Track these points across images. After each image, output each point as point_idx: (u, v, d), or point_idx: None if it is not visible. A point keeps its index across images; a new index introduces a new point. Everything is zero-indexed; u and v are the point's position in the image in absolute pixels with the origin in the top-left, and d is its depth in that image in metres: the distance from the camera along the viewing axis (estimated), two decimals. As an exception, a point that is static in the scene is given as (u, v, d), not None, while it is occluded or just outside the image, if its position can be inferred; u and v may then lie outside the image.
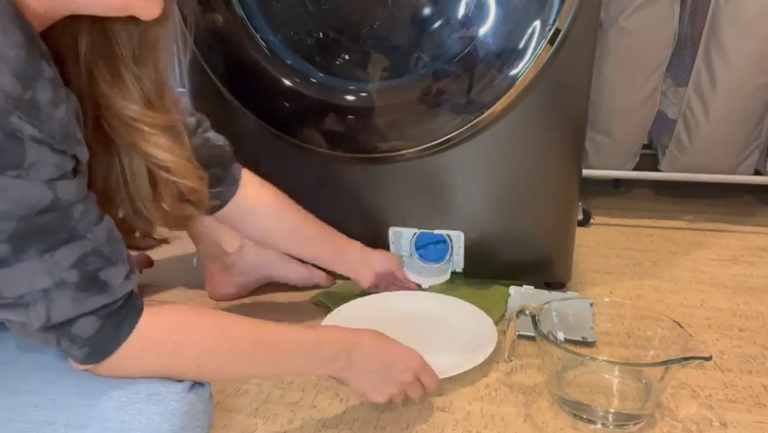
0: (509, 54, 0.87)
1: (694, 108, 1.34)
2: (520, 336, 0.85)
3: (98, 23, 0.52)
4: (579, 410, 0.69)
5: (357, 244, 0.95)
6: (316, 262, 0.97)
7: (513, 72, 0.87)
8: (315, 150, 0.99)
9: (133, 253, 0.57)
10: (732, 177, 1.40)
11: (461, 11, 0.89)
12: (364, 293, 0.97)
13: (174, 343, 0.53)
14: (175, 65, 1.17)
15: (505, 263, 1.02)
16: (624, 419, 0.69)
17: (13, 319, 0.47)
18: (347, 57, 0.97)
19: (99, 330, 0.49)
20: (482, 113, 0.90)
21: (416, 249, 1.06)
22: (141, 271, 1.07)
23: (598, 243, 1.30)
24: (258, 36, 0.97)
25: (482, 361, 0.77)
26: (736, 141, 1.35)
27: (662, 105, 1.40)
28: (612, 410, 0.69)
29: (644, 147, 1.48)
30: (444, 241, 1.04)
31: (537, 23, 0.85)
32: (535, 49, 0.85)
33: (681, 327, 0.70)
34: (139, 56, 0.55)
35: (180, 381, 0.53)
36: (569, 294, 0.98)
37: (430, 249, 1.06)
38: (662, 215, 1.49)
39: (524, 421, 0.70)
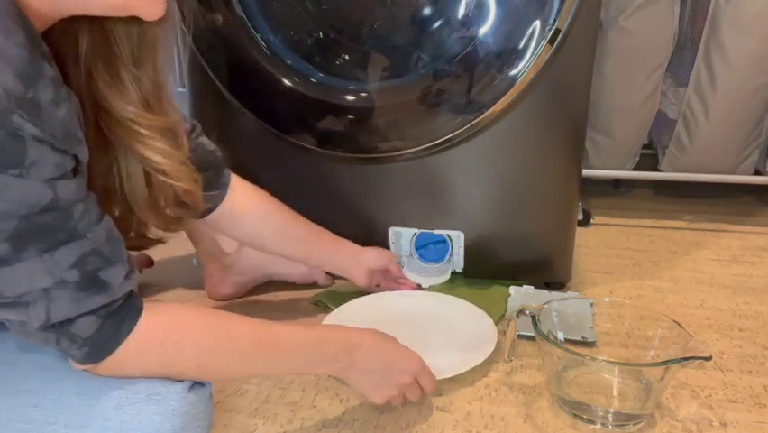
0: (509, 54, 0.87)
1: (694, 108, 1.34)
2: (520, 336, 0.85)
3: (98, 23, 0.52)
4: (579, 410, 0.69)
5: (348, 243, 0.95)
6: (307, 262, 0.97)
7: (513, 72, 0.87)
8: (314, 150, 0.99)
9: (133, 253, 0.57)
10: (732, 177, 1.40)
11: (461, 11, 0.89)
12: (364, 293, 0.97)
13: (174, 343, 0.53)
14: (175, 65, 1.18)
15: (505, 263, 1.02)
16: (624, 419, 0.69)
17: (13, 319, 0.47)
18: (347, 57, 0.97)
19: (99, 330, 0.49)
20: (482, 113, 0.90)
21: (416, 249, 1.06)
22: (141, 271, 1.07)
23: (598, 243, 1.30)
24: (258, 36, 0.97)
25: (482, 361, 0.77)
26: (736, 141, 1.35)
27: (662, 106, 1.40)
28: (612, 410, 0.69)
29: (644, 147, 1.48)
30: (444, 241, 1.04)
31: (537, 23, 0.85)
32: (535, 49, 0.85)
33: (681, 327, 0.70)
34: (138, 55, 0.55)
35: (180, 381, 0.53)
36: (569, 294, 0.98)
37: (430, 249, 1.06)
38: (662, 215, 1.49)
39: (524, 421, 0.70)
